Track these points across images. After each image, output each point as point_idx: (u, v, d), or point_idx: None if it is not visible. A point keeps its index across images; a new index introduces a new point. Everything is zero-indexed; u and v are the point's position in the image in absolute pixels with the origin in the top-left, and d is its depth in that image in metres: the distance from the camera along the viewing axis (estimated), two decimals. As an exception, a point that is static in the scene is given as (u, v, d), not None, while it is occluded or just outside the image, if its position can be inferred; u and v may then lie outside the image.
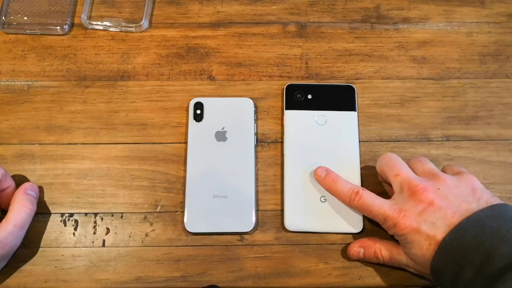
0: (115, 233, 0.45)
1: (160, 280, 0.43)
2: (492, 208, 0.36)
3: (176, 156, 0.47)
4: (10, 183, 0.44)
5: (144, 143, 0.48)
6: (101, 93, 0.50)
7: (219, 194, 0.45)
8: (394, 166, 0.41)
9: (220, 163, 0.46)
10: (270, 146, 0.48)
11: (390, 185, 0.42)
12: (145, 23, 0.52)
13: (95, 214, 0.45)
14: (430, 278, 0.39)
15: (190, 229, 0.44)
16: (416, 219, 0.37)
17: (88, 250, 0.44)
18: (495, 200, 0.38)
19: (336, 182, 0.43)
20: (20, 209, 0.42)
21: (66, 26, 0.52)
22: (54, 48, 0.52)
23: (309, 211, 0.44)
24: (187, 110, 0.49)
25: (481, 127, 0.48)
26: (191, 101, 0.48)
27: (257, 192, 0.46)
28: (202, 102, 0.48)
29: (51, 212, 0.45)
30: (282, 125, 0.48)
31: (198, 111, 0.48)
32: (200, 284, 0.43)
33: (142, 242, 0.44)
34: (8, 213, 0.41)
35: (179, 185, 0.46)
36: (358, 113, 0.49)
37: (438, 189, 0.38)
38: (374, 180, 0.46)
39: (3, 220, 0.41)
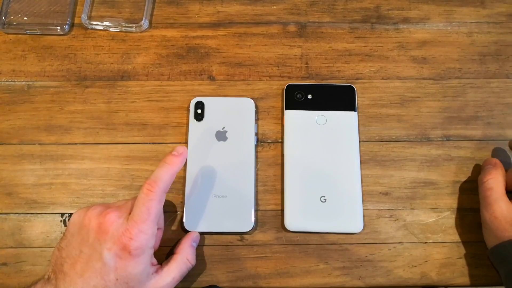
0: (115, 233, 0.45)
1: (160, 280, 0.43)
2: None
3: (176, 156, 0.47)
4: (161, 226, 0.43)
5: (144, 143, 0.48)
6: (101, 93, 0.50)
7: (218, 193, 0.45)
8: None
9: (220, 162, 0.46)
10: (270, 146, 0.48)
11: None
12: (145, 23, 0.52)
13: (95, 214, 0.45)
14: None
15: (189, 228, 0.44)
16: None
17: (88, 250, 0.44)
18: None
19: None
20: (184, 263, 0.41)
21: (66, 26, 0.52)
22: (54, 48, 0.52)
23: (309, 211, 0.44)
24: (188, 110, 0.49)
25: (481, 127, 0.48)
26: (192, 100, 0.48)
27: (257, 192, 0.46)
28: (203, 101, 0.48)
29: (51, 212, 0.45)
30: (282, 125, 0.48)
31: (199, 111, 0.48)
32: (200, 284, 0.43)
33: (142, 242, 0.44)
34: (171, 262, 0.40)
35: (179, 185, 0.46)
36: (358, 113, 0.49)
37: None
38: (374, 180, 0.46)
39: (165, 268, 0.39)
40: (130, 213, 0.38)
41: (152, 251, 0.38)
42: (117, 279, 0.36)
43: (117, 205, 0.39)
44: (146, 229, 0.37)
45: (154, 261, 0.40)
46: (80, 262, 0.36)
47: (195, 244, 0.43)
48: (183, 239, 0.43)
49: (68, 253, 0.37)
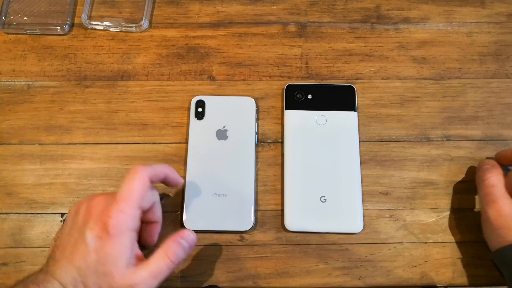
0: (115, 233, 0.45)
1: (160, 280, 0.43)
2: None
3: (176, 156, 0.47)
4: (158, 219, 0.41)
5: (144, 143, 0.48)
6: (101, 93, 0.50)
7: (218, 192, 0.45)
8: None
9: (220, 161, 0.46)
10: (270, 146, 0.48)
11: None
12: (145, 23, 0.52)
13: (95, 214, 0.45)
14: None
15: (189, 226, 0.44)
16: None
17: (88, 250, 0.44)
18: None
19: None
20: (162, 259, 0.37)
21: (66, 26, 0.52)
22: (54, 48, 0.52)
23: (309, 211, 0.44)
24: (188, 110, 0.49)
25: (481, 127, 0.48)
26: (193, 99, 0.48)
27: (257, 192, 0.46)
28: (204, 100, 0.48)
29: (51, 212, 0.45)
30: (282, 125, 0.48)
31: (200, 109, 0.48)
32: (200, 284, 0.43)
33: (142, 242, 0.44)
34: (151, 257, 0.37)
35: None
36: (358, 113, 0.49)
37: None
38: (374, 180, 0.46)
39: (144, 263, 0.36)
40: None
41: (135, 236, 0.37)
42: (97, 260, 0.35)
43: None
44: (126, 209, 0.36)
45: (139, 253, 0.38)
46: (69, 247, 0.36)
47: (184, 242, 0.38)
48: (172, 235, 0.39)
49: (61, 241, 0.37)
